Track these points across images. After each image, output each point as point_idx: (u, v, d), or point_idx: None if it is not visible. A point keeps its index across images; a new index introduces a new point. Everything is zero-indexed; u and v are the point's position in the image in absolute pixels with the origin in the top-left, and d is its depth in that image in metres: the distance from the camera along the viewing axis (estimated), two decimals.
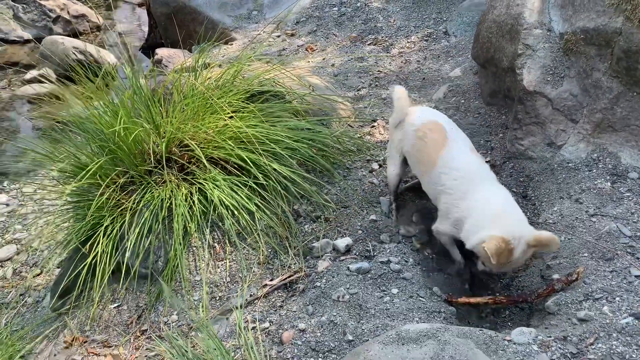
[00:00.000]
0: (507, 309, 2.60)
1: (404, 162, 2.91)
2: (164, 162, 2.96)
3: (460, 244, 2.64)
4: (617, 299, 2.17)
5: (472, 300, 2.54)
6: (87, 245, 2.85)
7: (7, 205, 4.70)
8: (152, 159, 2.94)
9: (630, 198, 2.71)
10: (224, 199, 2.85)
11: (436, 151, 2.64)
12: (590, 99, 3.02)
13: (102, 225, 2.87)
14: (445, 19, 5.25)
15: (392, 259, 2.63)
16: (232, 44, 5.49)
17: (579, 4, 3.08)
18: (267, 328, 2.43)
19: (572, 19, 3.10)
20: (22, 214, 4.37)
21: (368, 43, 5.17)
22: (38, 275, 3.82)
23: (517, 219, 2.41)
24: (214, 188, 2.89)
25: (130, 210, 2.87)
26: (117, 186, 2.93)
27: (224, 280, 2.76)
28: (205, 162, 2.92)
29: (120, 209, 2.93)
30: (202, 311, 2.61)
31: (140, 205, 2.88)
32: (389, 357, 1.93)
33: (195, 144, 2.97)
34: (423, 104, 3.97)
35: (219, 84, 3.41)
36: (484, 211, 2.44)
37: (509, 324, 2.49)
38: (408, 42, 5.06)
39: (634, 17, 2.80)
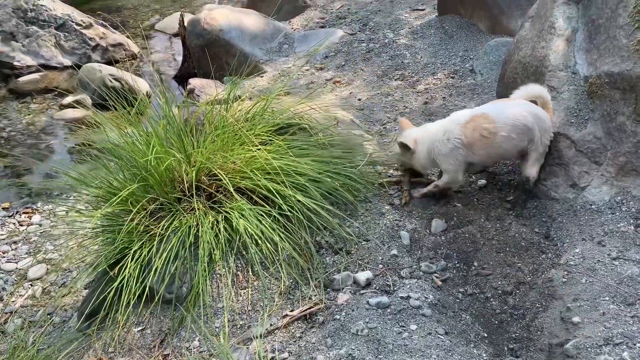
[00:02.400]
0: (527, 350, 2.60)
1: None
2: (193, 191, 3.06)
3: None
4: (638, 344, 2.16)
5: None
6: (116, 269, 2.94)
7: (40, 225, 4.87)
8: (182, 187, 3.04)
9: None
10: (249, 228, 2.92)
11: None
12: (614, 142, 3.04)
13: (131, 249, 2.96)
14: (472, 56, 5.33)
15: (412, 294, 2.66)
16: (262, 76, 5.65)
17: (604, 48, 3.13)
18: (286, 359, 2.46)
19: (597, 63, 3.15)
20: (53, 235, 4.52)
21: (395, 78, 5.27)
22: (66, 295, 3.93)
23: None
24: (240, 217, 2.97)
25: (159, 236, 2.96)
26: (146, 212, 3.03)
27: (246, 308, 2.81)
28: (232, 191, 3.01)
29: (149, 234, 3.02)
30: (223, 338, 2.66)
31: (168, 231, 2.97)
32: None
33: (224, 173, 3.07)
34: None
35: (248, 116, 3.53)
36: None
37: None
38: (434, 78, 5.14)
39: None
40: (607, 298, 2.49)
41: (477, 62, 5.16)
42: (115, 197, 2.96)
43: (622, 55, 3.02)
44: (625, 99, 3.00)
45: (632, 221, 2.86)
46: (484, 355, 2.48)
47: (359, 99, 4.95)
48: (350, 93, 5.11)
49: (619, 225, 2.86)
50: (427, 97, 4.84)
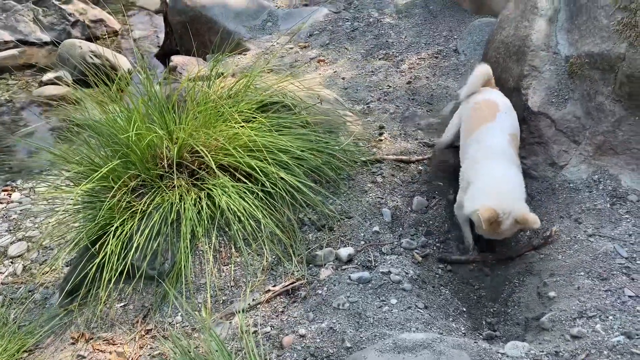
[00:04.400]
0: (504, 324, 2.66)
1: (458, 132, 3.28)
2: (175, 167, 3.05)
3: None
4: (610, 317, 2.22)
5: (463, 257, 2.99)
6: (97, 246, 2.93)
7: (20, 203, 4.81)
8: (164, 163, 3.03)
9: (628, 220, 2.76)
10: (232, 205, 2.93)
11: (479, 124, 3.02)
12: (593, 121, 3.08)
13: (112, 226, 2.95)
14: (455, 37, 5.33)
15: (393, 270, 2.70)
16: (245, 54, 5.59)
17: (585, 28, 3.15)
18: (268, 332, 2.49)
19: (578, 43, 3.18)
20: (34, 212, 4.47)
21: (379, 58, 5.26)
22: (47, 272, 3.91)
23: (514, 196, 2.71)
24: (222, 194, 2.97)
25: (140, 212, 2.95)
26: (128, 189, 3.02)
27: (228, 284, 2.83)
28: (215, 168, 3.00)
29: (130, 211, 3.01)
30: (206, 313, 2.68)
31: (150, 208, 2.96)
32: None
33: (206, 150, 3.06)
34: (433, 118, 4.05)
35: (231, 93, 3.51)
36: (488, 181, 2.77)
37: (504, 338, 2.54)
38: (418, 58, 5.14)
39: (638, 44, 2.87)
40: (582, 273, 2.55)
41: (460, 42, 5.17)
42: (97, 173, 2.94)
43: (602, 36, 3.05)
44: (605, 79, 3.04)
45: (608, 199, 2.92)
46: (462, 329, 2.53)
47: (343, 78, 4.94)
48: (335, 72, 5.10)
49: (595, 203, 2.92)
50: (410, 76, 4.85)
